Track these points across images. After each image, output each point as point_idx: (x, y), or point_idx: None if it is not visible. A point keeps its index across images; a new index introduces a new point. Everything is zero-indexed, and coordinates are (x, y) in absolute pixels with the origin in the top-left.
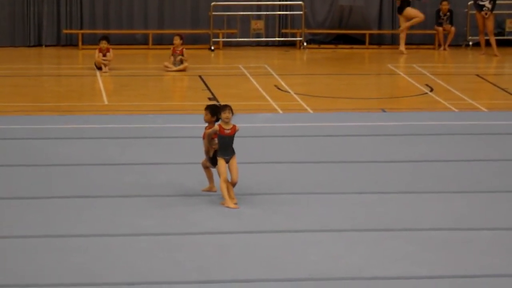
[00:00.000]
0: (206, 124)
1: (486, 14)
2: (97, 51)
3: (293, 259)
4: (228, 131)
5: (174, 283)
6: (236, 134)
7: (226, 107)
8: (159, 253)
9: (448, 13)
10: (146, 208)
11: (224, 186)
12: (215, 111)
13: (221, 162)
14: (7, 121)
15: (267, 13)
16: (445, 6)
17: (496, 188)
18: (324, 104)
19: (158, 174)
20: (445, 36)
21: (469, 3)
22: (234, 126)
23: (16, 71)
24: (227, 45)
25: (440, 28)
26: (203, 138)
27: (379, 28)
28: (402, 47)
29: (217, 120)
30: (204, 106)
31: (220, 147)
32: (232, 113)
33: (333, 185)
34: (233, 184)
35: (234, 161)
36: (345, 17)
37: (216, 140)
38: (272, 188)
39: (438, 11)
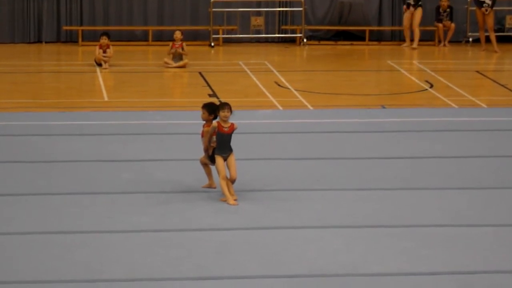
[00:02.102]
0: (204, 122)
1: (486, 10)
2: (97, 47)
3: (292, 256)
4: (226, 129)
5: (173, 280)
6: (236, 131)
7: (225, 105)
8: (158, 249)
9: (448, 10)
10: (145, 205)
11: (223, 184)
12: (212, 109)
13: (219, 160)
14: (7, 117)
15: (267, 9)
16: (444, 2)
17: (496, 184)
18: (324, 100)
19: (158, 171)
20: (445, 33)
21: None
22: (232, 124)
23: (16, 68)
24: (227, 41)
25: (440, 25)
26: (202, 136)
27: (379, 24)
28: (415, 44)
29: (214, 118)
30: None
31: (218, 145)
32: (231, 112)
33: (333, 182)
34: (232, 181)
35: (232, 158)
36: (345, 14)
37: (214, 138)
38: (272, 184)
39: (438, 7)
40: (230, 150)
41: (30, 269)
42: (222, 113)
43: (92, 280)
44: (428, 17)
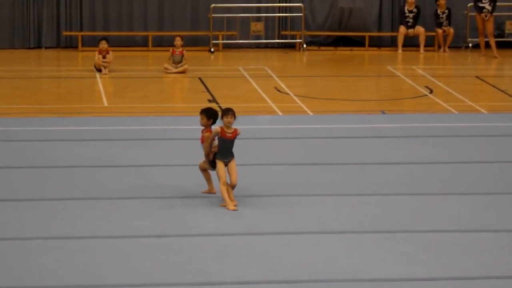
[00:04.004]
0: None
1: (486, 16)
2: (96, 53)
3: (292, 260)
4: (229, 134)
5: (173, 285)
6: (236, 137)
7: (229, 111)
8: (158, 254)
9: (446, 11)
10: (145, 210)
11: (224, 189)
12: (210, 114)
13: (220, 165)
14: (7, 123)
15: (267, 15)
16: (442, 2)
17: (496, 190)
18: (324, 106)
19: (158, 176)
20: (444, 38)
21: (468, 5)
22: (235, 130)
23: (16, 73)
24: (226, 47)
25: (440, 30)
26: (202, 142)
27: (379, 30)
28: (422, 49)
29: (213, 123)
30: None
31: (220, 150)
32: (235, 117)
33: (333, 187)
34: (232, 187)
35: (233, 163)
36: (345, 19)
37: (216, 143)
38: (272, 189)
39: (436, 10)
40: (231, 156)
41: (30, 274)
42: (225, 119)
43: (92, 286)
44: (428, 22)
